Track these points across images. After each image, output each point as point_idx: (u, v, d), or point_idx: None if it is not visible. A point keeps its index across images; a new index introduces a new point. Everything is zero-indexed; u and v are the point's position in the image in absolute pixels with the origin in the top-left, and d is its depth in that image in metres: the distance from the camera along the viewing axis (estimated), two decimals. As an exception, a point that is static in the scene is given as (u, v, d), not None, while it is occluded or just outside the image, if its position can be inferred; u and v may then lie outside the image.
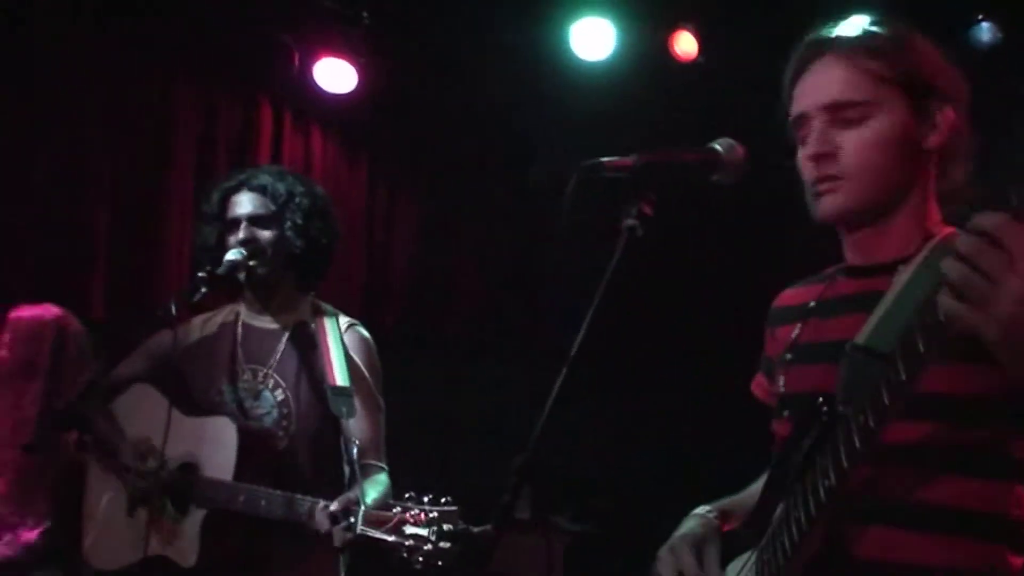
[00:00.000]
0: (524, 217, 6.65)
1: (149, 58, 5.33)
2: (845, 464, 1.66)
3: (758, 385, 2.20)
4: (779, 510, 1.84)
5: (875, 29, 1.95)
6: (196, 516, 2.85)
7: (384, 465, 3.01)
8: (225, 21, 5.49)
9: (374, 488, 2.84)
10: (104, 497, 3.04)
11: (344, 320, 3.12)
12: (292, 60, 5.62)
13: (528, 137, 6.50)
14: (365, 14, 5.63)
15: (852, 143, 1.87)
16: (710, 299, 6.47)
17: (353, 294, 5.87)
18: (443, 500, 2.46)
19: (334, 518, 2.58)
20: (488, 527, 1.92)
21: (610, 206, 1.91)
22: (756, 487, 2.10)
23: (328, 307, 3.17)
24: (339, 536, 2.58)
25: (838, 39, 1.96)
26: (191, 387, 3.10)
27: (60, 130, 5.02)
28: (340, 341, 3.01)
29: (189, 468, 2.92)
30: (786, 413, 1.97)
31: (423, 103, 6.27)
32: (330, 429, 2.97)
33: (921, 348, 1.51)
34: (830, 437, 1.71)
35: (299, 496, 2.71)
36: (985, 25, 5.55)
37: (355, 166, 6.19)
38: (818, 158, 1.89)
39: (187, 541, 2.84)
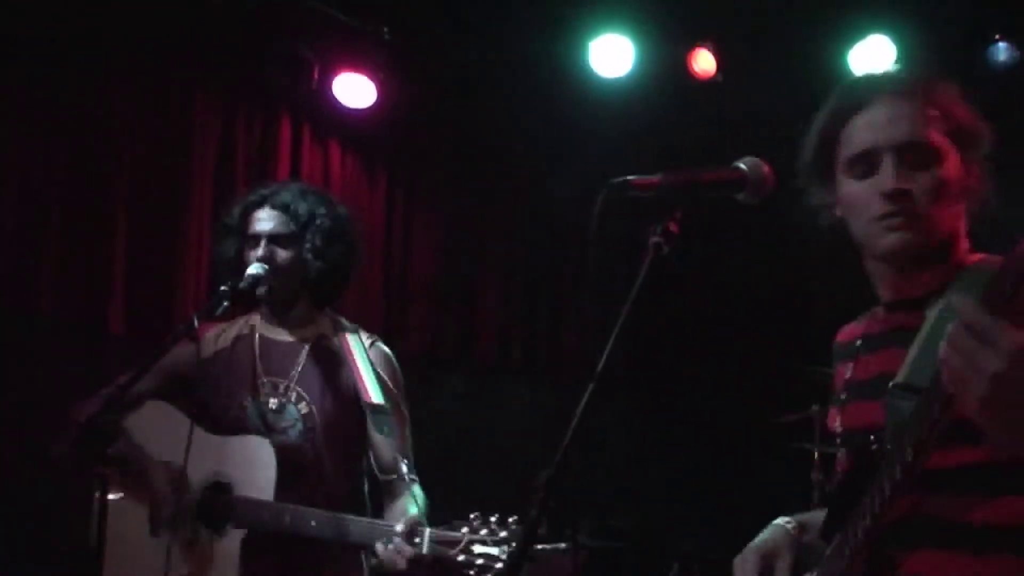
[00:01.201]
0: (544, 233, 6.65)
1: (170, 72, 5.35)
2: (887, 494, 1.75)
3: (832, 419, 2.23)
4: (835, 541, 1.91)
5: (928, 78, 2.02)
6: (234, 537, 2.83)
7: (415, 476, 3.00)
8: (245, 36, 5.52)
9: (412, 502, 2.83)
10: (126, 516, 2.99)
11: (365, 336, 3.12)
12: (312, 75, 5.64)
13: (547, 153, 6.51)
14: (385, 29, 5.65)
15: (927, 184, 1.93)
16: (732, 319, 6.47)
17: (372, 309, 5.87)
18: (510, 520, 2.47)
19: (405, 539, 2.57)
20: (560, 546, 1.95)
21: (635, 223, 1.92)
22: None
23: (346, 322, 3.17)
24: (408, 554, 2.58)
25: (901, 80, 2.02)
26: (209, 402, 3.08)
27: (80, 144, 5.05)
28: (367, 357, 3.01)
29: (220, 488, 2.90)
30: (842, 451, 2.08)
31: (442, 118, 6.28)
32: (354, 441, 2.97)
33: (950, 389, 1.57)
34: (877, 472, 1.79)
35: (351, 517, 2.70)
36: (1002, 45, 5.56)
37: (374, 181, 6.20)
38: (895, 195, 1.92)
39: (226, 562, 2.82)
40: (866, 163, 1.97)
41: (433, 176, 6.41)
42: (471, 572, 2.42)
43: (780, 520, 2.13)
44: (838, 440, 2.11)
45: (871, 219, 1.96)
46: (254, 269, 3.00)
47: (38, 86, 4.94)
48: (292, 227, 3.06)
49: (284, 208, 3.07)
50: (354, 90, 5.74)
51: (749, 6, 5.73)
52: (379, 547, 2.63)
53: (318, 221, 3.07)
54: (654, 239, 1.87)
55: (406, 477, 2.95)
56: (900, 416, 1.79)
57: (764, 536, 2.10)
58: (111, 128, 5.16)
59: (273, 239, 3.05)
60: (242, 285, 2.97)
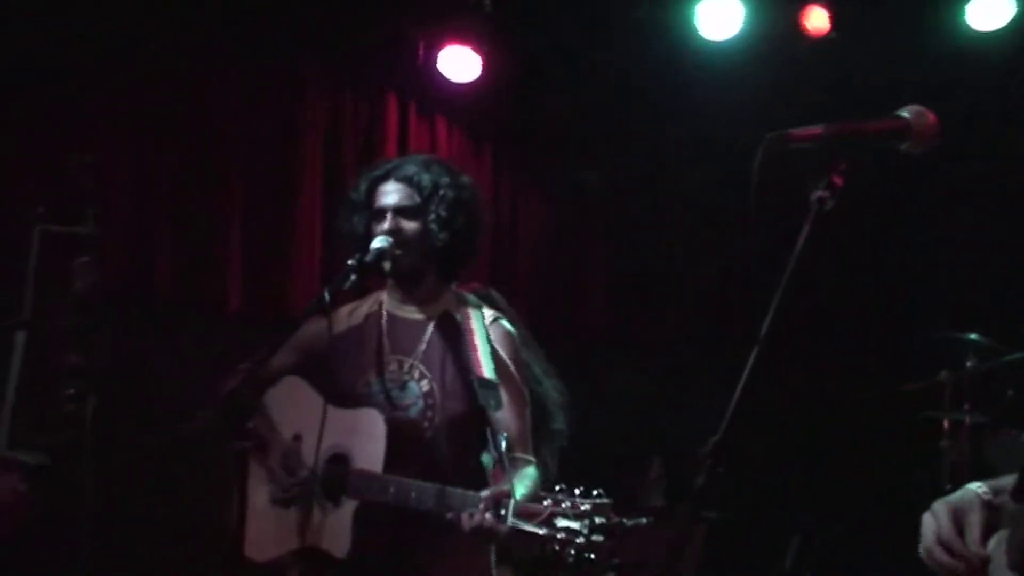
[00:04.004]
0: (654, 206, 6.57)
1: (277, 56, 5.41)
2: None
3: None
4: None
5: None
6: (348, 507, 2.85)
7: (531, 458, 2.97)
8: (349, 15, 5.54)
9: (523, 481, 2.80)
10: (260, 489, 3.06)
11: (488, 313, 3.09)
12: (416, 51, 5.65)
13: (656, 122, 6.42)
14: (487, 1, 5.62)
15: None
16: (854, 283, 6.29)
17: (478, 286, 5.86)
18: (595, 493, 2.42)
19: (485, 509, 2.56)
20: (642, 520, 1.89)
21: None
22: None
23: (472, 298, 3.15)
24: (490, 525, 2.56)
25: None
26: (339, 378, 3.10)
27: (194, 130, 5.14)
28: (485, 334, 2.99)
29: (339, 459, 2.92)
30: None
31: (548, 89, 6.24)
32: (474, 420, 2.94)
33: None
34: None
35: (449, 488, 2.70)
36: None
37: (480, 156, 6.19)
38: None
39: (340, 532, 2.84)
40: None
41: (539, 148, 6.37)
42: (555, 546, 2.38)
43: (972, 485, 2.02)
44: None
45: None
46: (379, 243, 3.00)
47: (151, 74, 5.03)
48: (417, 199, 3.05)
49: (408, 180, 3.06)
50: (459, 64, 5.72)
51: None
52: (464, 516, 2.62)
53: (442, 192, 3.05)
54: (817, 194, 1.80)
55: (522, 457, 2.93)
56: None
57: (953, 496, 2.00)
58: (222, 114, 5.24)
59: (399, 211, 3.04)
60: (367, 259, 2.97)
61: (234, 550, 3.05)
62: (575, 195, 6.49)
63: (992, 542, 1.90)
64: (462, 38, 5.67)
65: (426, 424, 2.98)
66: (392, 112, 5.78)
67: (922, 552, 1.93)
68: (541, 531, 2.41)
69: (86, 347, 4.04)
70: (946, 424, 5.20)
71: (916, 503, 2.03)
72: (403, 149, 5.77)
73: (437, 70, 5.73)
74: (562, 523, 2.38)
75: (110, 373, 4.06)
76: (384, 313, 3.14)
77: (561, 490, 2.43)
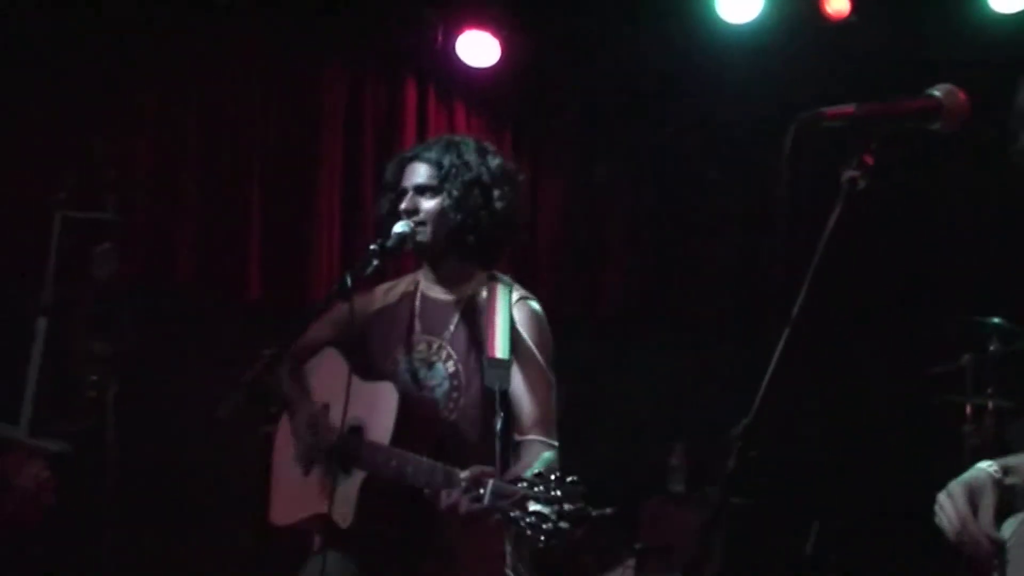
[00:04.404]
0: (673, 190, 6.55)
1: (297, 41, 5.42)
2: None
3: None
4: None
5: None
6: (357, 478, 2.86)
7: (553, 442, 2.94)
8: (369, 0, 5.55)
9: (537, 465, 2.80)
10: (287, 456, 3.09)
11: (516, 293, 3.08)
12: (435, 35, 5.64)
13: (674, 106, 6.39)
14: (506, -15, 5.62)
15: None
16: (875, 267, 6.24)
17: (498, 268, 5.86)
18: (568, 479, 2.41)
19: (465, 490, 2.56)
20: (607, 510, 1.88)
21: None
22: None
23: (505, 278, 3.12)
24: (465, 506, 2.56)
25: None
26: (370, 354, 3.11)
27: (214, 115, 5.16)
28: (508, 313, 2.97)
29: (357, 431, 2.94)
30: None
31: (565, 74, 6.22)
32: (496, 401, 2.94)
33: None
34: None
35: (441, 465, 2.69)
36: None
37: (500, 140, 6.17)
38: None
39: (346, 502, 2.85)
40: None
41: (558, 132, 6.36)
42: (526, 530, 2.38)
43: (982, 463, 2.01)
44: None
45: None
46: (400, 227, 3.00)
47: (172, 61, 5.05)
48: (436, 178, 3.05)
49: (430, 160, 3.06)
50: (477, 49, 5.72)
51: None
52: (442, 494, 2.62)
53: (456, 171, 3.04)
54: (849, 173, 1.79)
55: (539, 440, 2.91)
56: None
57: (966, 475, 1.99)
58: (242, 100, 5.25)
59: (420, 190, 3.05)
60: (389, 243, 2.98)
61: (261, 520, 3.10)
62: (594, 179, 6.47)
63: (1008, 525, 1.89)
64: (480, 23, 5.67)
65: (451, 405, 2.98)
66: (411, 97, 5.78)
67: (948, 530, 1.92)
68: (513, 512, 2.41)
69: (108, 334, 4.07)
70: (968, 408, 5.17)
71: (937, 487, 2.02)
72: (422, 134, 5.77)
73: (456, 55, 5.72)
74: (533, 507, 2.38)
75: (132, 360, 4.09)
76: (419, 293, 3.14)
77: (539, 474, 2.43)
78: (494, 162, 3.10)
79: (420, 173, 3.06)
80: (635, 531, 5.63)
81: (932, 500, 2.01)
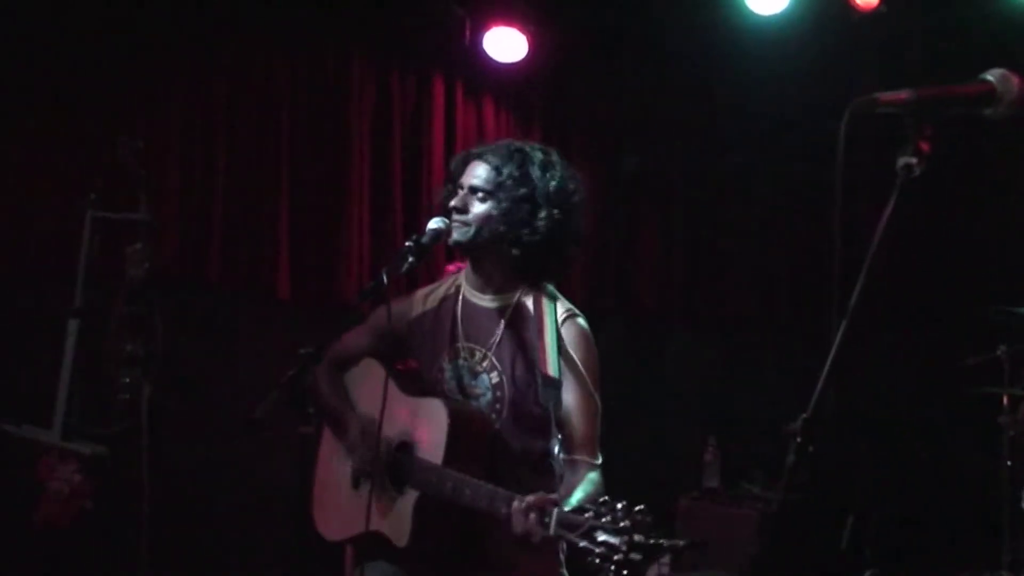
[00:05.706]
0: (707, 184, 6.51)
1: (325, 39, 5.41)
2: None
3: None
4: None
5: None
6: (410, 496, 2.84)
7: (597, 462, 2.89)
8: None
9: (584, 487, 2.77)
10: (333, 468, 3.08)
11: (563, 308, 3.01)
12: (463, 31, 5.63)
13: (704, 98, 6.35)
14: (533, -19, 5.60)
15: None
16: (910, 257, 6.18)
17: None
18: (636, 509, 2.39)
19: (529, 514, 2.54)
20: (678, 542, 1.86)
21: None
22: None
23: (549, 288, 3.05)
24: (535, 534, 2.54)
25: None
26: (417, 362, 3.10)
27: (241, 114, 5.15)
28: (556, 330, 2.93)
29: (406, 447, 2.92)
30: None
31: (594, 68, 6.19)
32: (540, 417, 2.91)
33: None
34: None
35: (501, 490, 2.67)
36: None
37: (528, 136, 6.15)
38: None
39: (401, 520, 2.84)
40: None
41: (588, 127, 6.33)
42: (593, 560, 2.36)
43: None
44: None
45: None
46: (435, 223, 2.98)
47: (200, 59, 5.06)
48: (492, 184, 3.00)
49: (492, 164, 3.01)
50: (505, 44, 5.71)
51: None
52: (516, 520, 2.60)
53: (512, 182, 2.97)
54: (905, 160, 1.77)
55: (585, 460, 2.87)
56: None
57: None
58: (271, 98, 5.25)
59: (473, 191, 3.00)
60: (424, 240, 2.94)
61: (303, 528, 3.09)
62: (625, 173, 6.44)
63: None
64: (508, 19, 5.65)
65: (493, 417, 2.96)
66: (439, 94, 5.77)
67: None
68: (581, 543, 2.38)
69: (140, 335, 4.08)
70: (1005, 399, 5.13)
71: (974, 479, 1.99)
72: (450, 130, 5.77)
73: (483, 51, 5.71)
74: (601, 537, 2.35)
75: (163, 361, 4.09)
76: (461, 298, 3.09)
77: (604, 503, 2.40)
78: (553, 181, 2.99)
79: (479, 174, 3.00)
80: (670, 527, 5.61)
81: (968, 491, 1.97)
